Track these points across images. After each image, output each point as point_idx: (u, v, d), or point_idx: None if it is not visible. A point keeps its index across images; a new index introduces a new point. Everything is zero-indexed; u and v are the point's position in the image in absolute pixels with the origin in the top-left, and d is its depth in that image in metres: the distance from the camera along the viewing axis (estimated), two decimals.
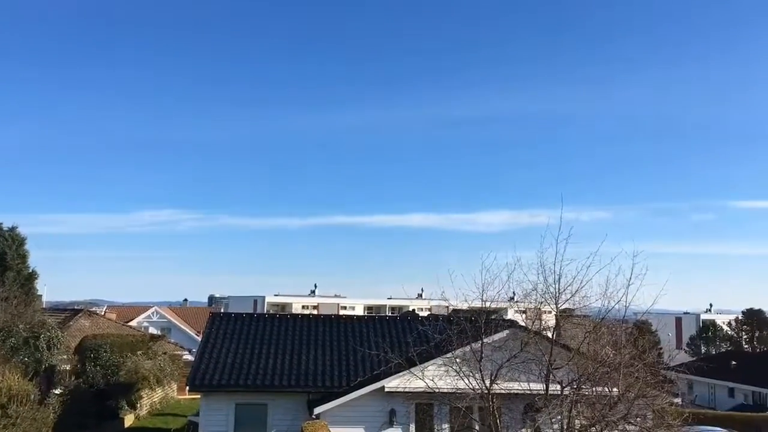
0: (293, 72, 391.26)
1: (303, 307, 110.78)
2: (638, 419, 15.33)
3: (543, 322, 17.63)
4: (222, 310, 72.47)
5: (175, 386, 44.05)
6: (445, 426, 19.38)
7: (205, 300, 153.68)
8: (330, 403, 20.53)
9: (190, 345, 54.54)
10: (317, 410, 20.31)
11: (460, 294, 16.14)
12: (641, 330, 79.88)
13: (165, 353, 42.04)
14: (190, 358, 42.30)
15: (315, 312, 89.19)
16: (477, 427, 18.21)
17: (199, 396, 23.95)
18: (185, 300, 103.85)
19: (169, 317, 71.84)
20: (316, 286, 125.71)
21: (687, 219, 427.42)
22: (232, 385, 22.32)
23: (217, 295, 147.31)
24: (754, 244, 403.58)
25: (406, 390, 19.43)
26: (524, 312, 19.53)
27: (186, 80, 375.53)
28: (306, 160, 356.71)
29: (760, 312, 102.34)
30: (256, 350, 24.15)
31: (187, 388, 23.74)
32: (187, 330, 69.68)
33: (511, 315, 22.87)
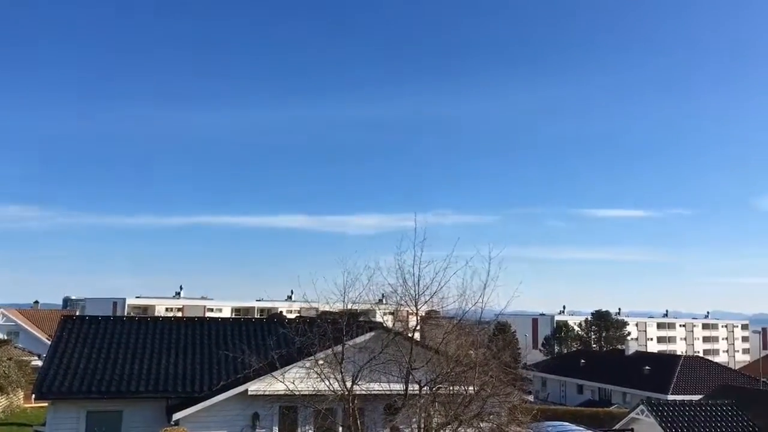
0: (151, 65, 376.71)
1: (167, 309, 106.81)
2: (492, 416, 16.02)
3: (408, 324, 18.02)
4: (77, 313, 68.46)
5: (21, 394, 41.19)
6: (309, 428, 19.37)
7: (60, 302, 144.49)
8: (190, 408, 19.92)
9: (41, 350, 51.21)
10: (176, 416, 19.66)
11: (322, 296, 16.21)
12: (501, 330, 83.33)
13: (10, 359, 39.26)
14: (40, 363, 39.73)
15: (179, 314, 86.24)
16: (340, 429, 18.34)
17: (47, 404, 22.50)
18: (36, 302, 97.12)
19: (16, 320, 66.95)
20: (181, 288, 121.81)
21: (543, 225, 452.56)
22: (84, 391, 21.09)
23: (73, 297, 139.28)
24: (604, 249, 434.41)
25: (268, 393, 19.24)
26: (392, 314, 19.87)
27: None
28: (174, 160, 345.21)
29: (607, 313, 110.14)
30: (112, 355, 22.97)
31: (33, 396, 22.23)
32: (37, 334, 65.28)
33: (379, 317, 23.21)
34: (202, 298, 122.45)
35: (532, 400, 26.75)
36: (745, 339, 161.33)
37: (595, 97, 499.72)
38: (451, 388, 15.55)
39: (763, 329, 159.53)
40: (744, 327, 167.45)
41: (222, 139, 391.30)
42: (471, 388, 15.60)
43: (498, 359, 16.95)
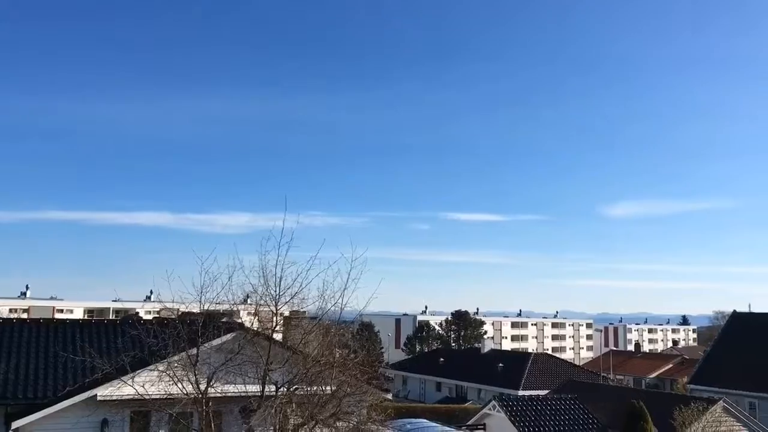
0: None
1: (11, 310, 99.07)
2: (348, 415, 16.23)
3: (269, 324, 17.85)
4: None
5: None
6: None
7: None
8: (32, 415, 18.65)
9: None
10: (16, 424, 18.37)
11: (177, 297, 15.74)
12: (365, 330, 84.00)
13: None
14: None
15: (25, 316, 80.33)
16: None
17: None
18: None
19: None
20: (27, 288, 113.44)
21: (407, 228, 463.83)
22: None
23: None
24: (465, 252, 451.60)
25: (117, 398, 18.41)
26: (255, 314, 19.61)
27: None
28: (16, 150, 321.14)
29: (466, 313, 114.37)
30: None
31: None
32: None
33: (244, 318, 22.82)
34: (51, 298, 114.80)
35: (390, 398, 27.32)
36: (589, 337, 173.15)
37: (454, 103, 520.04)
38: (308, 388, 15.60)
39: (605, 328, 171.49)
40: (588, 326, 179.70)
41: (71, 129, 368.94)
42: (328, 387, 15.73)
43: (357, 359, 17.18)
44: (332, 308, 16.17)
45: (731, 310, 53.31)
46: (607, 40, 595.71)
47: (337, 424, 15.77)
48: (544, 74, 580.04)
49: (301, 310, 17.77)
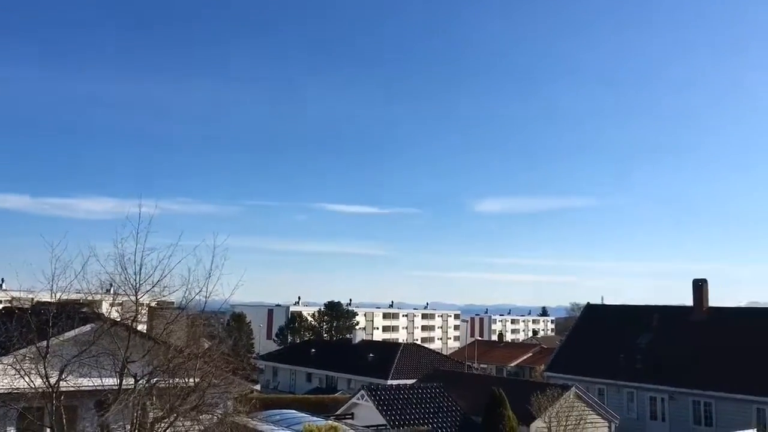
0: None
1: None
2: (213, 407, 15.82)
3: (133, 314, 17.04)
4: None
5: None
6: (12, 429, 17.50)
7: None
8: None
9: None
10: None
11: (26, 285, 14.69)
12: (236, 321, 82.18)
13: None
14: None
15: None
16: (47, 430, 16.80)
17: None
18: None
19: None
20: None
21: (284, 218, 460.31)
22: None
23: None
24: (340, 243, 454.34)
25: None
26: (120, 305, 18.64)
27: None
28: None
29: (339, 304, 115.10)
30: None
31: None
32: None
33: (106, 308, 21.63)
34: None
35: (258, 389, 26.96)
36: (457, 327, 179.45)
37: (335, 96, 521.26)
38: (170, 380, 15.04)
39: (472, 319, 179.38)
40: (456, 317, 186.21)
41: None
42: (191, 379, 15.24)
43: (221, 349, 16.77)
44: (197, 297, 15.64)
45: (586, 302, 56.89)
46: (483, 41, 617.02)
47: (201, 416, 15.33)
48: (427, 72, 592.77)
49: (165, 299, 17.09)
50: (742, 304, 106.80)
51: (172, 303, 17.74)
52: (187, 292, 15.48)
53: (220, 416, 15.71)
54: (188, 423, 15.00)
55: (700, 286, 45.82)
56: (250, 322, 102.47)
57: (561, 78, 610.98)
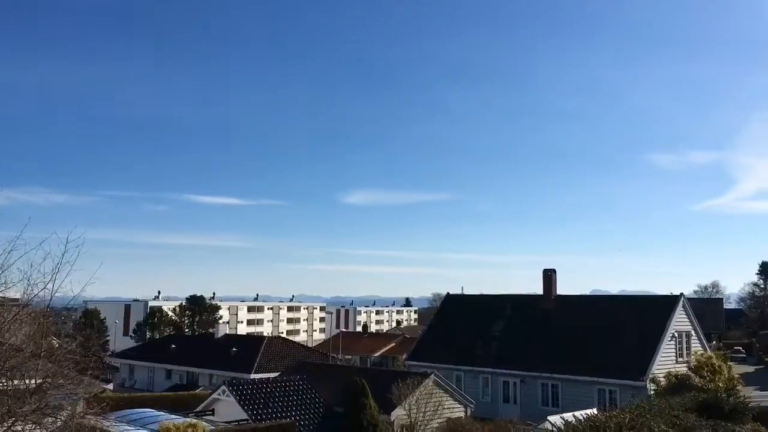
0: None
1: None
2: (57, 410, 14.91)
3: None
4: None
5: None
6: None
7: None
8: None
9: None
10: None
11: None
12: (89, 317, 77.77)
13: None
14: None
15: None
16: None
17: None
18: None
19: None
20: None
21: (142, 209, 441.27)
22: None
23: None
24: (203, 235, 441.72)
25: None
26: None
27: None
28: None
29: (201, 298, 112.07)
30: None
31: None
32: None
33: None
34: None
35: (112, 388, 25.91)
36: (322, 319, 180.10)
37: (208, 83, 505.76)
38: (7, 381, 13.99)
39: (337, 310, 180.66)
40: (322, 309, 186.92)
41: None
42: (33, 380, 14.27)
43: (71, 347, 15.82)
44: (41, 293, 14.64)
45: (446, 292, 58.97)
46: (348, 38, 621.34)
47: (44, 420, 14.39)
48: (301, 66, 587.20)
49: (3, 296, 15.86)
50: (587, 292, 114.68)
51: (17, 300, 16.55)
52: (29, 287, 14.47)
53: (64, 419, 14.81)
54: (29, 426, 14.04)
55: (549, 276, 48.79)
56: (104, 318, 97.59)
57: (436, 76, 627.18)
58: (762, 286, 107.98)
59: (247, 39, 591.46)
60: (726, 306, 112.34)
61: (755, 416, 14.89)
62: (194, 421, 25.50)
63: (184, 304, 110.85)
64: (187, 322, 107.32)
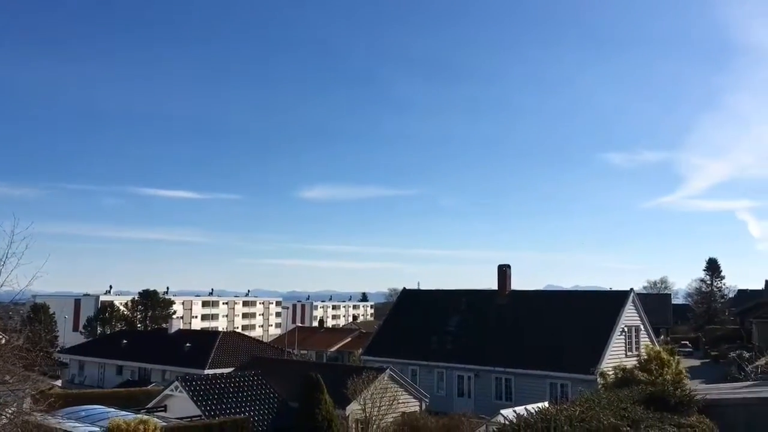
0: None
1: None
2: (2, 407, 14.52)
3: None
4: None
5: None
6: None
7: None
8: None
9: None
10: None
11: None
12: (36, 312, 75.77)
13: None
14: None
15: None
16: None
17: None
18: None
19: None
20: None
21: (95, 202, 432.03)
22: None
23: None
24: (158, 229, 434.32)
25: None
26: None
27: None
28: None
29: (154, 293, 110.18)
30: None
31: None
32: None
33: None
34: None
35: (60, 385, 25.31)
36: (278, 314, 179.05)
37: (164, 76, 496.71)
38: None
39: (293, 305, 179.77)
40: (278, 304, 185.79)
41: None
42: None
43: (16, 343, 15.40)
44: None
45: (402, 288, 59.21)
46: (314, 32, 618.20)
47: None
48: (254, 60, 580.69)
49: None
50: (541, 287, 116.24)
51: None
52: None
53: (9, 416, 14.42)
54: None
55: (504, 271, 49.39)
56: (54, 313, 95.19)
57: (394, 70, 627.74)
58: (708, 282, 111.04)
59: (209, 31, 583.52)
60: (674, 301, 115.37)
61: (700, 409, 15.31)
62: (145, 417, 25.05)
63: (136, 298, 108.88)
64: (139, 317, 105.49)
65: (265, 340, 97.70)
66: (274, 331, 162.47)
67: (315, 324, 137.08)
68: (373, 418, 30.86)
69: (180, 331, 70.30)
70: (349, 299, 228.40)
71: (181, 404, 31.17)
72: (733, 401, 17.35)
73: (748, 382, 26.08)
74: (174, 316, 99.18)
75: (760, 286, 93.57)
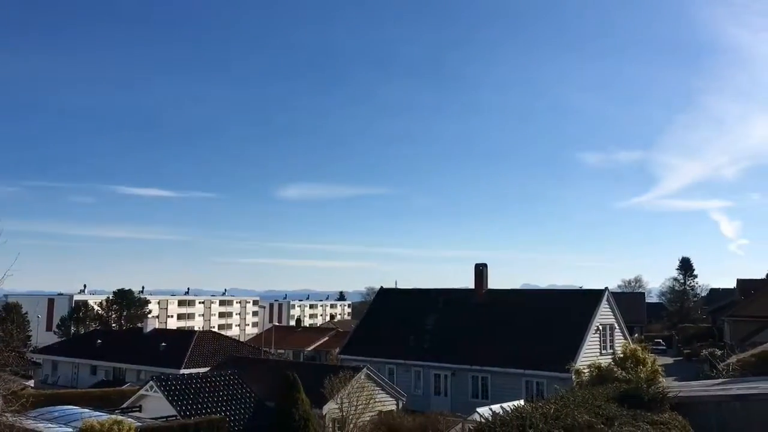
0: None
1: None
2: None
3: None
4: None
5: None
6: None
7: None
8: None
9: None
10: None
11: None
12: (10, 312, 74.60)
13: None
14: None
15: None
16: None
17: None
18: None
19: None
20: None
21: (67, 200, 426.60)
22: None
23: None
24: (132, 228, 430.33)
25: None
26: None
27: None
28: None
29: (129, 292, 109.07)
30: None
31: None
32: None
33: None
34: None
35: (32, 385, 24.95)
36: (255, 314, 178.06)
37: (126, 67, 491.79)
38: None
39: (270, 304, 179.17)
40: (255, 303, 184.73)
41: None
42: None
43: None
44: None
45: (380, 286, 59.25)
46: (283, 28, 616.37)
47: None
48: (237, 61, 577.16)
49: None
50: (518, 286, 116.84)
51: None
52: None
53: None
54: None
55: (480, 271, 49.64)
56: (26, 312, 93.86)
57: (372, 70, 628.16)
58: (681, 281, 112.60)
59: (185, 27, 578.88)
60: (648, 300, 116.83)
61: (673, 406, 15.48)
62: (120, 418, 24.78)
63: (111, 298, 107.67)
64: (114, 316, 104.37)
65: (242, 339, 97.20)
66: (251, 331, 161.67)
67: (292, 323, 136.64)
68: (350, 417, 30.87)
69: (155, 330, 69.64)
70: (327, 298, 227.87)
71: (156, 404, 30.92)
72: (704, 398, 17.59)
73: (720, 380, 26.47)
74: (149, 316, 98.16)
75: (732, 284, 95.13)
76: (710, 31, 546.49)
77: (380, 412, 33.68)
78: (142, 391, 32.68)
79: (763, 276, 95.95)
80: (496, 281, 54.18)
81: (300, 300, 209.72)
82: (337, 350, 56.59)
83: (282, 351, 78.94)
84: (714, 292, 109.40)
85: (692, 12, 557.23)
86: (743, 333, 51.77)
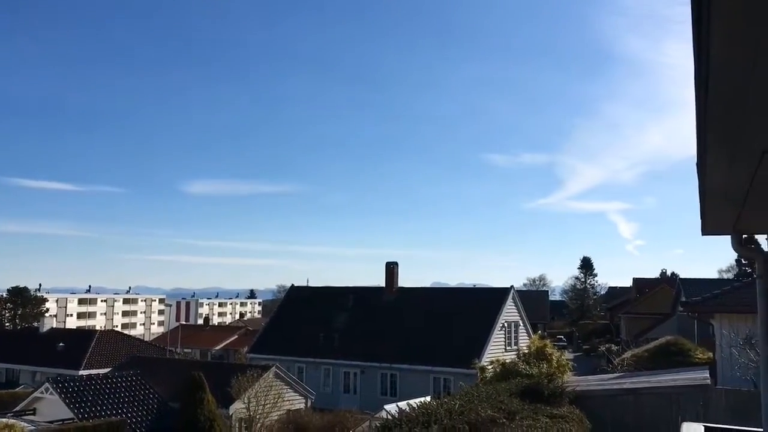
0: None
1: None
2: None
3: None
4: None
5: None
6: None
7: None
8: None
9: None
10: None
11: None
12: None
13: None
14: None
15: None
16: None
17: None
18: None
19: None
20: None
21: None
22: None
23: None
24: (26, 222, 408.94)
25: None
26: None
27: None
28: None
29: (25, 290, 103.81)
30: None
31: None
32: None
33: None
34: None
35: None
36: (161, 312, 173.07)
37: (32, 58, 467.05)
38: None
39: (178, 303, 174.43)
40: (161, 301, 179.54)
41: None
42: None
43: None
44: None
45: (291, 284, 58.78)
46: (197, 22, 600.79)
47: None
48: (152, 52, 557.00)
49: None
50: (428, 284, 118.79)
51: None
52: None
53: None
54: None
55: (391, 269, 50.11)
56: None
57: (281, 67, 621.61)
58: (582, 279, 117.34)
59: (97, 15, 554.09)
60: (551, 298, 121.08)
61: (571, 400, 16.12)
62: (12, 421, 23.61)
63: (4, 296, 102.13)
64: (8, 315, 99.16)
65: (147, 339, 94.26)
66: (156, 330, 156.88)
67: (200, 322, 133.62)
68: (257, 416, 30.52)
69: (53, 329, 66.50)
70: (236, 296, 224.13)
71: (52, 407, 29.58)
72: (600, 392, 18.44)
73: (615, 374, 27.80)
74: (47, 315, 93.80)
75: (629, 283, 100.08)
76: (609, 41, 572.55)
77: (288, 410, 33.44)
78: (36, 394, 31.20)
79: (656, 275, 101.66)
80: (407, 280, 54.90)
81: (209, 298, 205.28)
82: (246, 349, 55.73)
83: (189, 350, 77.04)
84: (612, 291, 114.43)
85: (594, 22, 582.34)
86: (637, 329, 54.51)
